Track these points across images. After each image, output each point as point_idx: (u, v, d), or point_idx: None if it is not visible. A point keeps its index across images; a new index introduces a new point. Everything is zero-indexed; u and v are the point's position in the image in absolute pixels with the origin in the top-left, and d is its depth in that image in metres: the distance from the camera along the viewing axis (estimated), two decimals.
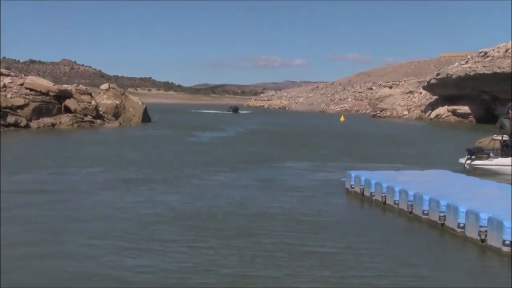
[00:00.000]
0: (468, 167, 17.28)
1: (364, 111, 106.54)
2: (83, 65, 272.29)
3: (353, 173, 13.53)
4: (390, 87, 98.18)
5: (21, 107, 35.87)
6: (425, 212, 10.23)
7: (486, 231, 8.57)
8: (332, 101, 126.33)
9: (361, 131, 44.56)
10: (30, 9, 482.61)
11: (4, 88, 36.11)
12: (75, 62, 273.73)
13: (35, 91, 37.46)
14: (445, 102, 69.13)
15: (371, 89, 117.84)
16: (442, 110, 68.80)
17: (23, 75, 44.60)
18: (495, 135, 18.07)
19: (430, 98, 76.84)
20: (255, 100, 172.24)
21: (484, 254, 8.37)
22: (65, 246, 8.32)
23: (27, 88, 37.40)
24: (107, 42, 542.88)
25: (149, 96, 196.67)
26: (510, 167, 16.48)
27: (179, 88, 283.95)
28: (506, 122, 17.45)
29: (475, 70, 60.45)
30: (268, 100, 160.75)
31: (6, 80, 37.39)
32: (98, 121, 41.33)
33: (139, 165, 18.29)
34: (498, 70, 57.06)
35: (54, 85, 40.79)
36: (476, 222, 8.75)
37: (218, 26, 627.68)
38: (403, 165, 18.32)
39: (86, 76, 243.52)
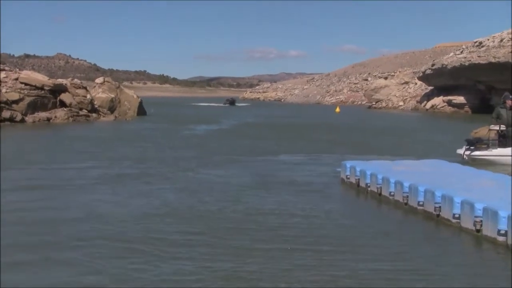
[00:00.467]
0: (467, 158, 17.01)
1: (359, 102, 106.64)
2: (78, 59, 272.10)
3: (348, 164, 13.52)
4: (386, 78, 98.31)
5: (16, 101, 35.78)
6: (421, 203, 10.24)
7: (481, 221, 8.59)
8: (328, 92, 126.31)
9: (356, 122, 44.56)
10: (24, 3, 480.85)
11: None
12: (70, 56, 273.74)
13: (30, 85, 37.36)
14: (440, 92, 69.17)
15: (366, 80, 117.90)
16: (438, 101, 68.85)
17: (18, 69, 44.44)
18: (492, 125, 17.71)
19: (426, 88, 76.92)
20: (250, 92, 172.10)
21: (479, 244, 8.38)
22: (55, 246, 8.29)
23: (22, 83, 37.31)
24: (101, 36, 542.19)
25: (144, 90, 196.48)
26: (510, 157, 16.18)
27: (174, 81, 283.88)
28: (503, 111, 17.21)
29: (470, 60, 60.51)
30: (264, 92, 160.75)
31: (1, 74, 37.28)
32: (94, 115, 41.26)
33: (133, 160, 18.25)
34: (493, 60, 57.12)
35: (49, 79, 40.71)
36: (471, 213, 8.77)
37: (213, 18, 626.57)
38: (399, 156, 18.26)
39: (81, 70, 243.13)
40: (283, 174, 15.12)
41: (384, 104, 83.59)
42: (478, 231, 8.63)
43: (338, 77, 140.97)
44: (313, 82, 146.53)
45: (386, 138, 28.14)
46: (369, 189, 12.28)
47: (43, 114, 37.12)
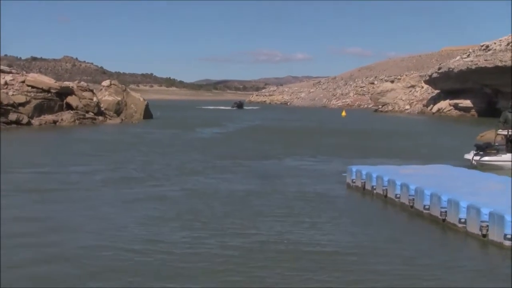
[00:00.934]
0: (475, 163, 16.51)
1: (366, 105, 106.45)
2: (84, 61, 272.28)
3: (354, 168, 13.52)
4: (392, 82, 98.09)
5: (22, 104, 35.86)
6: (427, 207, 10.19)
7: (487, 226, 8.54)
8: (334, 96, 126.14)
9: (363, 126, 44.47)
10: (31, 6, 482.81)
11: (6, 86, 36.11)
12: (76, 59, 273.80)
13: (37, 88, 37.46)
14: (447, 96, 68.99)
15: (372, 83, 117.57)
16: (444, 104, 68.66)
17: (24, 72, 44.58)
18: (500, 130, 17.37)
19: (432, 92, 76.71)
20: (256, 95, 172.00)
21: (486, 249, 8.34)
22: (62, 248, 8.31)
23: (28, 86, 37.41)
24: (108, 39, 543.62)
25: (151, 93, 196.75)
26: None
27: (181, 84, 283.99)
28: (510, 116, 17.04)
29: (476, 64, 60.32)
30: (270, 95, 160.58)
31: (8, 77, 37.40)
32: (100, 117, 41.32)
33: (139, 163, 18.28)
34: (500, 64, 56.94)
35: (55, 82, 40.78)
36: (477, 217, 8.72)
37: (218, 21, 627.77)
38: (405, 160, 18.20)
39: (88, 73, 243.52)
40: (289, 178, 15.10)
41: (390, 108, 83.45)
42: (484, 236, 8.58)
43: (344, 80, 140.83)
44: (320, 86, 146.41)
45: (393, 142, 28.06)
46: (375, 191, 12.25)
47: (49, 117, 37.20)
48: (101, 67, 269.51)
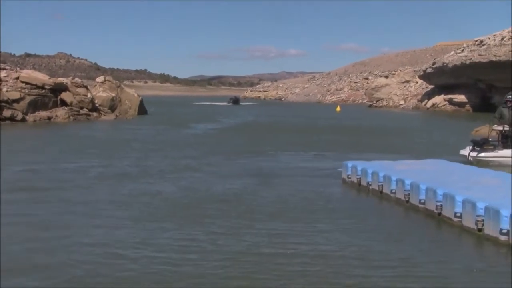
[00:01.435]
0: (472, 159, 16.31)
1: (360, 101, 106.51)
2: (78, 58, 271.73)
3: (350, 163, 13.52)
4: (386, 77, 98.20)
5: (17, 100, 35.74)
6: (422, 201, 10.21)
7: (483, 220, 8.55)
8: (328, 91, 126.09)
9: (358, 121, 44.49)
10: (25, 2, 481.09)
11: (0, 82, 35.97)
12: (70, 55, 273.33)
13: (31, 84, 37.34)
14: (441, 91, 69.08)
15: (367, 79, 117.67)
16: (439, 99, 68.76)
17: (18, 68, 44.41)
18: (495, 125, 17.18)
19: (426, 87, 76.80)
20: (251, 91, 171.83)
21: (481, 244, 8.35)
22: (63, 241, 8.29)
23: (22, 82, 37.28)
24: (102, 35, 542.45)
25: (145, 88, 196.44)
26: (510, 159, 15.59)
27: (175, 80, 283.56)
28: (506, 111, 16.84)
29: (471, 59, 60.41)
30: (265, 91, 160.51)
31: (2, 74, 37.26)
32: (94, 114, 41.22)
33: (133, 160, 18.24)
34: (494, 59, 57.04)
35: (49, 78, 40.67)
36: (473, 212, 8.73)
37: (212, 17, 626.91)
38: (400, 155, 18.16)
39: (82, 69, 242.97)
40: (284, 174, 15.09)
41: (385, 103, 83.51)
42: (480, 230, 8.59)
43: (338, 76, 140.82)
44: (314, 81, 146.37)
45: (387, 137, 28.07)
46: (370, 187, 12.26)
47: (44, 113, 37.09)
48: (95, 63, 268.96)
